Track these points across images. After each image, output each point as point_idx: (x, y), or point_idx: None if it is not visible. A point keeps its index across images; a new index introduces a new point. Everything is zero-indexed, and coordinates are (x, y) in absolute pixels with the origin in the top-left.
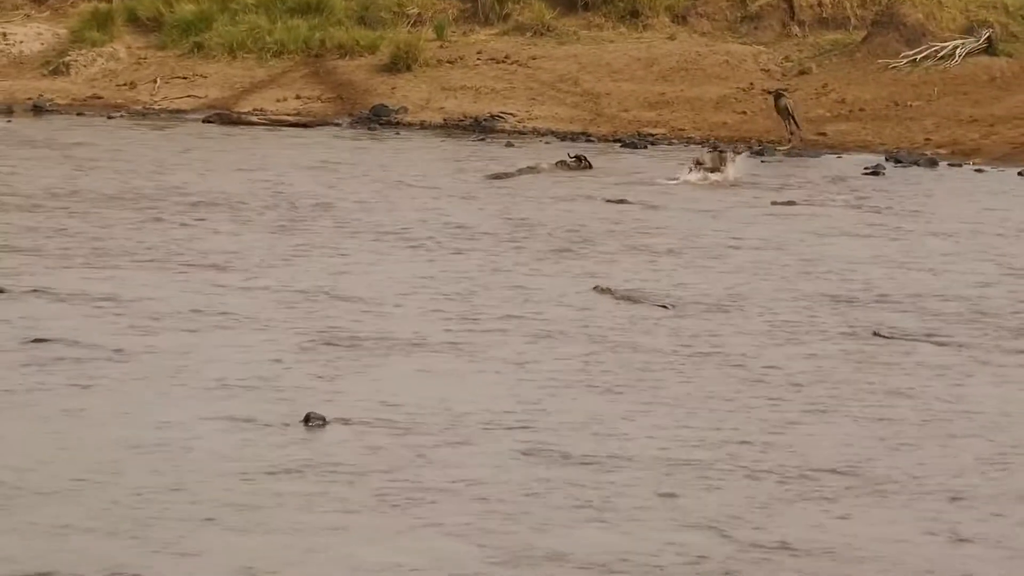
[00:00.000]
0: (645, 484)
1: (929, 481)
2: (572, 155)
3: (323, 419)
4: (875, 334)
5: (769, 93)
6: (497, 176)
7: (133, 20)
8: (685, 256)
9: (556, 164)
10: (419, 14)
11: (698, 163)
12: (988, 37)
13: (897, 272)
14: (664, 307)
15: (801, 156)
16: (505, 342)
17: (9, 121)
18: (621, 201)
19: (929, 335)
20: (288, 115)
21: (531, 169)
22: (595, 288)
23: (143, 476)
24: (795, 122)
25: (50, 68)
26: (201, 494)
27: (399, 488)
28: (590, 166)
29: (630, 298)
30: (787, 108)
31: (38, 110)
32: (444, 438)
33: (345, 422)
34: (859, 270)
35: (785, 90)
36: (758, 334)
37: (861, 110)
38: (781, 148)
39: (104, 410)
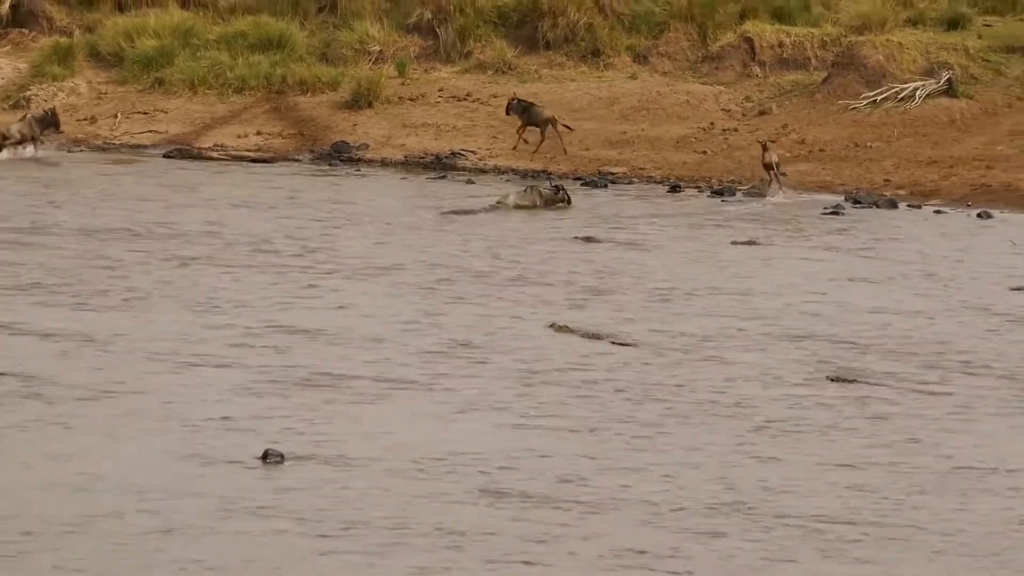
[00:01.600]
0: (609, 524)
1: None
2: (552, 184)
3: (281, 456)
4: (832, 379)
5: (759, 143)
6: (461, 212)
7: (94, 55)
8: (638, 295)
9: (526, 190)
10: (381, 51)
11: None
12: (948, 79)
13: (850, 310)
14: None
15: (762, 196)
16: (464, 379)
17: None
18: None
19: (884, 374)
20: (249, 151)
21: (499, 204)
22: (552, 325)
23: (99, 510)
24: (778, 174)
25: (10, 102)
26: (155, 528)
27: (352, 524)
28: (568, 200)
29: (592, 335)
30: (772, 163)
31: None
32: (398, 476)
33: (303, 458)
34: (815, 308)
35: (772, 141)
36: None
37: (821, 150)
38: (742, 188)
39: (52, 446)
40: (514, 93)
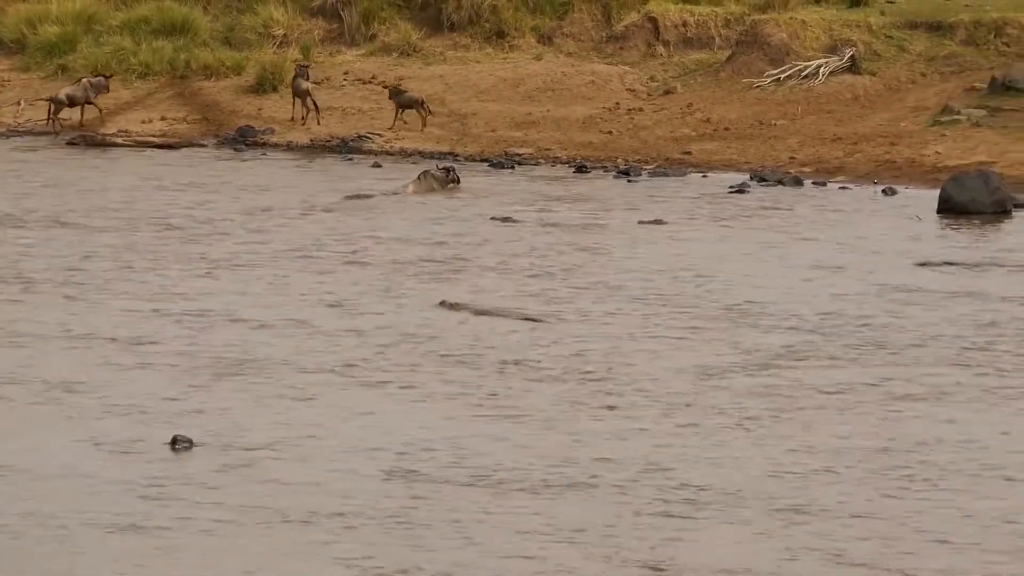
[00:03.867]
0: (507, 501)
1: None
2: (440, 166)
3: (190, 441)
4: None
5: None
6: (358, 196)
7: None
8: (541, 271)
9: (419, 177)
10: (285, 35)
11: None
12: (851, 56)
13: (758, 285)
14: (536, 320)
15: (667, 175)
16: (377, 364)
17: None
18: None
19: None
20: (153, 136)
21: (396, 193)
22: (442, 303)
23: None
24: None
25: None
26: (62, 516)
27: (262, 509)
28: (457, 180)
29: (486, 312)
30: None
31: None
32: (309, 461)
33: (211, 445)
34: (720, 284)
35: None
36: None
37: (726, 129)
38: (647, 168)
39: None
40: (398, 79)
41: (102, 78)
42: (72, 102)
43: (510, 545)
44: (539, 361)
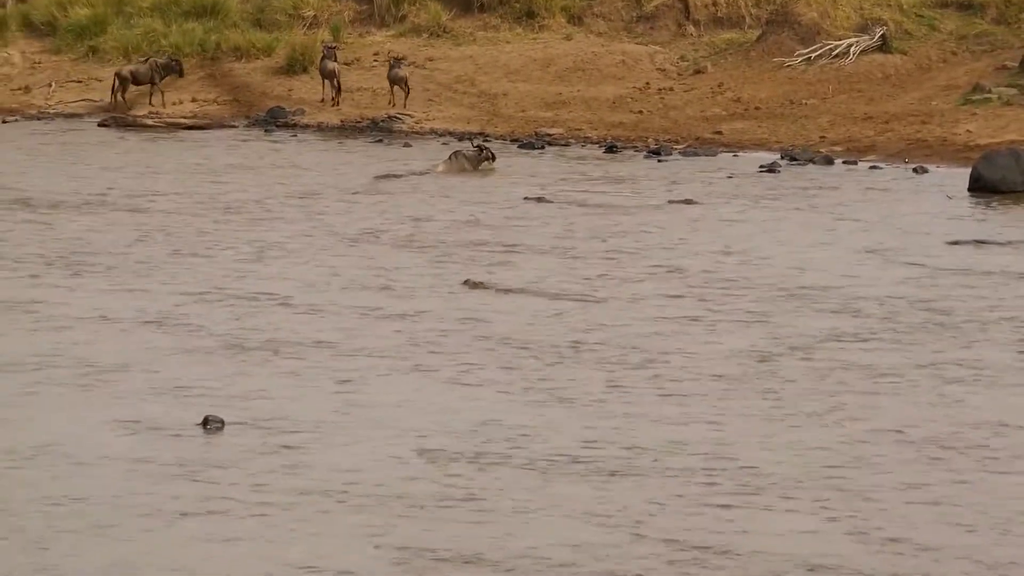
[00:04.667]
0: (535, 480)
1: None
2: (474, 143)
3: (221, 422)
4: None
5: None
6: (388, 176)
7: (27, 25)
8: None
9: (450, 157)
10: (315, 16)
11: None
12: (882, 35)
13: (797, 266)
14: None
15: (697, 155)
16: (415, 345)
17: None
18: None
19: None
20: (184, 118)
21: (431, 170)
22: (466, 282)
23: (39, 481)
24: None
25: None
26: (96, 498)
27: (294, 489)
28: (493, 157)
29: (521, 292)
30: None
31: None
32: (338, 439)
33: (243, 425)
34: (760, 263)
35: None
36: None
37: (757, 108)
38: (677, 147)
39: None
40: (398, 55)
41: (173, 61)
42: (136, 80)
43: (568, 532)
44: (585, 343)
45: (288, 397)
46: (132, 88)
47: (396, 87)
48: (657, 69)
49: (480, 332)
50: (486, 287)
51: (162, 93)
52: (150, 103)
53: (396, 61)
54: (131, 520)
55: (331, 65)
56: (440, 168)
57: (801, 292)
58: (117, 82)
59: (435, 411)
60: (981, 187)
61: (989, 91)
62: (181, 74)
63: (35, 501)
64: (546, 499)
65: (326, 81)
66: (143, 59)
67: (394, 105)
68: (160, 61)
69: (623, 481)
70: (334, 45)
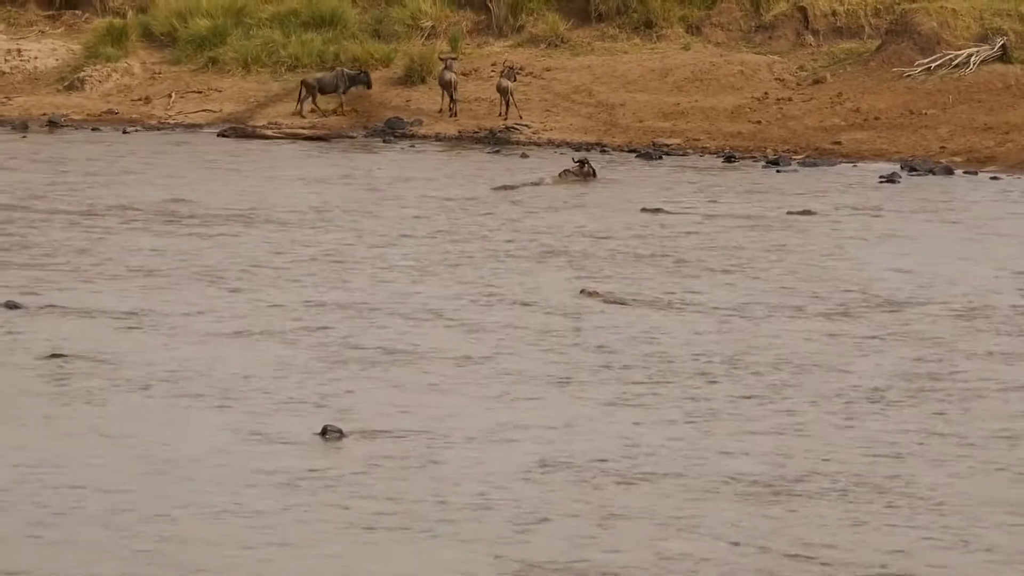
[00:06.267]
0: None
1: None
2: (575, 160)
3: (340, 432)
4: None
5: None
6: (505, 187)
7: (147, 35)
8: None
9: (560, 175)
10: (433, 27)
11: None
12: (1003, 45)
13: (912, 277)
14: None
15: (816, 165)
16: (530, 354)
17: (24, 136)
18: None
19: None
20: (303, 128)
21: (541, 182)
22: (583, 291)
23: (159, 489)
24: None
25: (65, 84)
26: (217, 508)
27: (414, 501)
28: (594, 173)
29: (638, 303)
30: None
31: (53, 125)
32: (458, 451)
33: (362, 434)
34: (867, 277)
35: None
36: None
37: (876, 119)
38: (796, 157)
39: (123, 425)
40: (511, 64)
41: (361, 72)
42: (323, 88)
43: (672, 544)
44: (702, 354)
45: (409, 407)
46: (319, 97)
47: (445, 92)
48: (775, 79)
49: (612, 346)
50: (601, 296)
51: (341, 103)
52: (336, 112)
53: (508, 71)
54: (272, 530)
55: (449, 76)
56: (549, 181)
57: (946, 307)
58: (304, 90)
59: (553, 422)
60: None
61: None
62: (369, 86)
63: (186, 508)
64: (689, 519)
65: (444, 92)
66: (330, 68)
67: (504, 116)
68: (349, 71)
69: (791, 502)
70: (454, 56)
